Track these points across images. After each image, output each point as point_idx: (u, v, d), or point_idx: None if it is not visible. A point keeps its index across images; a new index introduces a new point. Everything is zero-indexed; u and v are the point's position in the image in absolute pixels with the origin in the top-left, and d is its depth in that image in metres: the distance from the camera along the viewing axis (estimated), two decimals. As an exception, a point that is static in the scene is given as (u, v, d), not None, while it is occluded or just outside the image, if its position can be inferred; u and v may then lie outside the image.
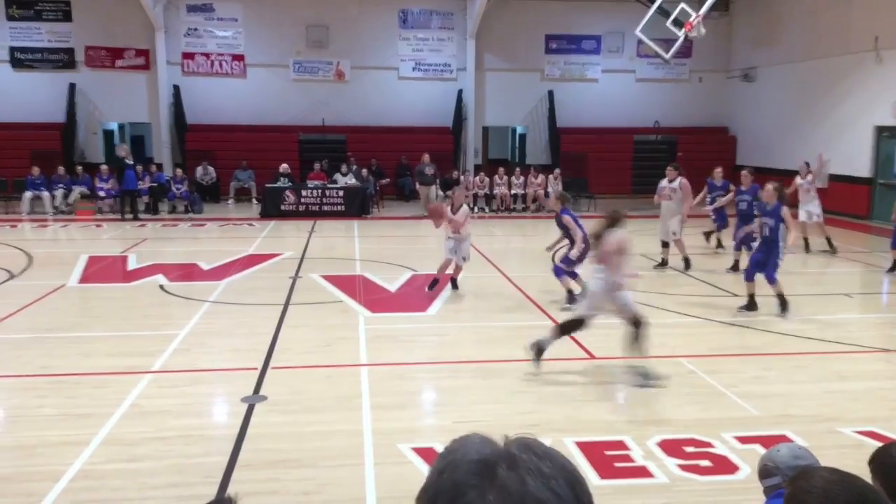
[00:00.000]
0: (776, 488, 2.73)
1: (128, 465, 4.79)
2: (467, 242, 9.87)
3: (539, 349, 6.54)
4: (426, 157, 19.14)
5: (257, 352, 7.15)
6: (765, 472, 2.83)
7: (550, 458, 0.84)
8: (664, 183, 11.46)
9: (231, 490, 4.44)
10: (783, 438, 5.10)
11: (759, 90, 22.37)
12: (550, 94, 23.31)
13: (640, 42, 16.54)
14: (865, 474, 4.81)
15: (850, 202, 18.15)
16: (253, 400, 5.92)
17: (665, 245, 11.58)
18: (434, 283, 9.83)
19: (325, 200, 18.40)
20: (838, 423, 5.55)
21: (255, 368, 6.67)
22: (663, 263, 11.55)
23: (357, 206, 18.44)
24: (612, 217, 6.70)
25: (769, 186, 8.87)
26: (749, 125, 23.05)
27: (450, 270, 9.94)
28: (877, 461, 2.35)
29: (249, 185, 20.91)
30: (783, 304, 8.57)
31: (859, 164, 17.93)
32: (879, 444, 5.05)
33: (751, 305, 8.74)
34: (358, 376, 6.54)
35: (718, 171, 12.72)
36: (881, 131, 17.46)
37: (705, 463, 4.92)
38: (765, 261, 8.62)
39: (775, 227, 8.60)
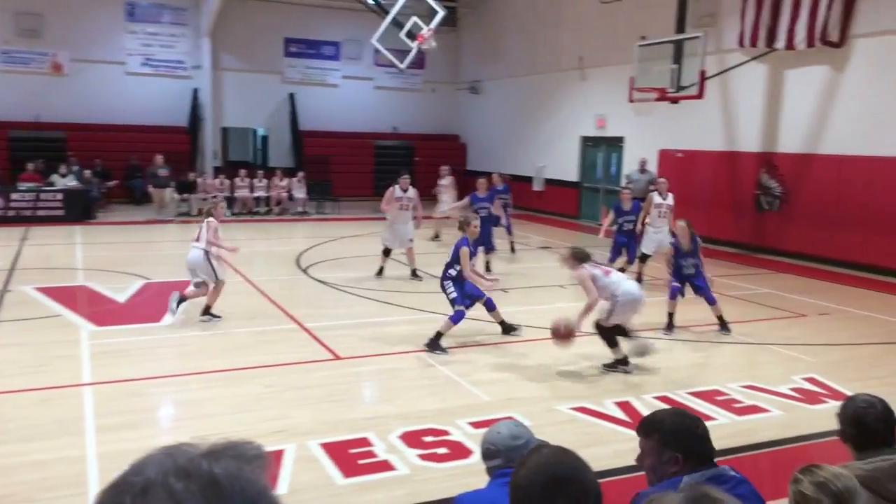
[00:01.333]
0: (498, 468, 2.89)
1: None
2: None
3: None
4: (159, 158, 18.02)
5: (-45, 378, 6.25)
6: (487, 454, 2.98)
7: (198, 477, 0.85)
8: (399, 192, 11.44)
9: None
10: (510, 420, 5.56)
11: (485, 102, 24.17)
12: (292, 97, 23.16)
13: (376, 51, 17.01)
14: (581, 445, 5.38)
15: (562, 204, 20.32)
16: (-50, 434, 5.16)
17: (387, 253, 11.38)
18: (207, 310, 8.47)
19: (39, 204, 16.56)
20: (555, 402, 6.19)
21: (-47, 398, 5.82)
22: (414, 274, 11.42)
23: (79, 210, 16.83)
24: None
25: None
26: (477, 134, 24.81)
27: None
28: (658, 434, 2.57)
29: (-56, 189, 18.13)
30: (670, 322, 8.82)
31: (569, 170, 20.13)
32: (590, 419, 5.77)
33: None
34: (80, 397, 5.98)
35: (482, 181, 12.43)
36: (586, 141, 19.75)
37: (443, 450, 5.20)
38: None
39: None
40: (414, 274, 11.42)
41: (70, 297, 9.44)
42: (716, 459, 2.60)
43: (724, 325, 8.63)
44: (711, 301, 8.63)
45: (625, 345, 7.14)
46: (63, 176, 17.71)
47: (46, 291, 9.66)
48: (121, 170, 20.13)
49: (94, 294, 9.70)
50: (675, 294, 8.61)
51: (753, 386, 6.71)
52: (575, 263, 6.99)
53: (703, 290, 8.61)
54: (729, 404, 6.23)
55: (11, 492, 4.39)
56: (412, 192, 11.56)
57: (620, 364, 7.07)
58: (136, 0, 21.45)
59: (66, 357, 7.01)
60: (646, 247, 11.29)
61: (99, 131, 20.75)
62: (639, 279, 10.81)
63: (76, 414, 5.62)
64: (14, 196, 16.42)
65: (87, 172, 18.29)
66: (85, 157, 19.17)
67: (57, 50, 20.63)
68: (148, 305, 9.25)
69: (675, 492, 1.44)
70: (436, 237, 15.12)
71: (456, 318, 7.59)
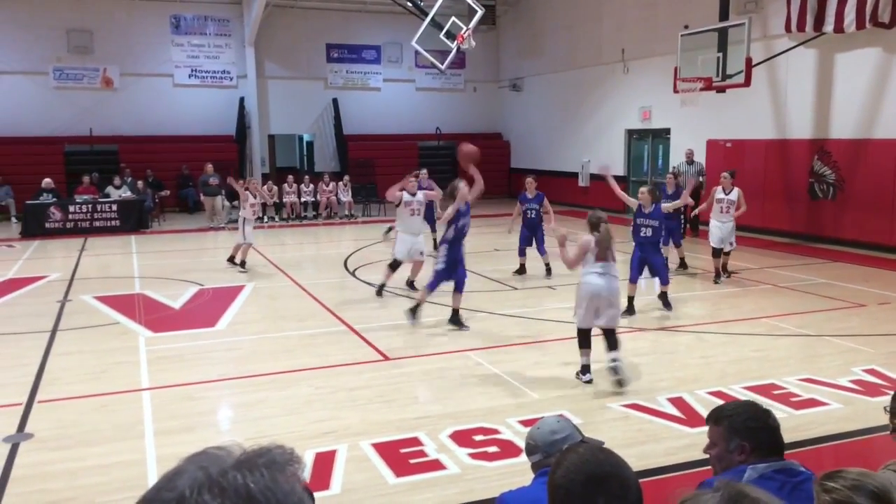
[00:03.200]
0: (540, 465, 2.88)
1: None
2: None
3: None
4: (209, 167, 18.37)
5: (21, 385, 6.48)
6: (528, 449, 2.97)
7: (234, 491, 0.84)
8: (408, 196, 10.23)
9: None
10: (551, 416, 5.52)
11: (527, 98, 24.04)
12: (335, 102, 23.39)
13: (417, 53, 17.08)
14: (634, 442, 5.31)
15: (609, 198, 20.00)
16: (17, 438, 5.35)
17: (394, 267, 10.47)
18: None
19: (96, 216, 17.06)
20: (606, 399, 6.12)
21: (20, 404, 6.04)
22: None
23: (134, 220, 17.29)
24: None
25: (645, 189, 9.31)
26: (520, 131, 24.68)
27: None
28: (728, 423, 2.57)
29: (7, 203, 18.87)
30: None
31: (615, 163, 19.85)
32: (642, 416, 5.69)
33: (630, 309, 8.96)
34: (139, 402, 6.14)
35: (530, 181, 11.83)
36: (631, 134, 19.49)
37: (493, 449, 5.19)
38: (651, 261, 9.06)
39: (658, 228, 9.07)
40: (410, 286, 10.43)
41: (128, 304, 9.69)
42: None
43: (665, 303, 9.19)
44: (664, 281, 9.15)
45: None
46: (117, 187, 18.21)
47: (105, 300, 9.95)
48: (172, 180, 20.63)
49: (150, 301, 9.95)
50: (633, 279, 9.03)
51: (811, 379, 6.54)
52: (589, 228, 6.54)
53: (657, 267, 9.13)
54: (786, 398, 6.08)
55: (75, 495, 4.53)
56: (421, 194, 10.36)
57: (582, 372, 6.50)
58: (181, 13, 21.94)
59: (124, 363, 7.21)
60: (712, 241, 10.95)
61: (150, 143, 21.29)
62: (717, 274, 10.94)
63: (135, 418, 5.77)
64: (72, 208, 16.95)
65: (140, 183, 18.77)
66: (137, 169, 19.69)
67: (107, 65, 21.23)
68: (202, 311, 9.46)
69: (710, 491, 1.41)
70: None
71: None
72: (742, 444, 2.49)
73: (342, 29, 23.37)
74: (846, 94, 13.66)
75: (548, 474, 1.97)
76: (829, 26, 13.21)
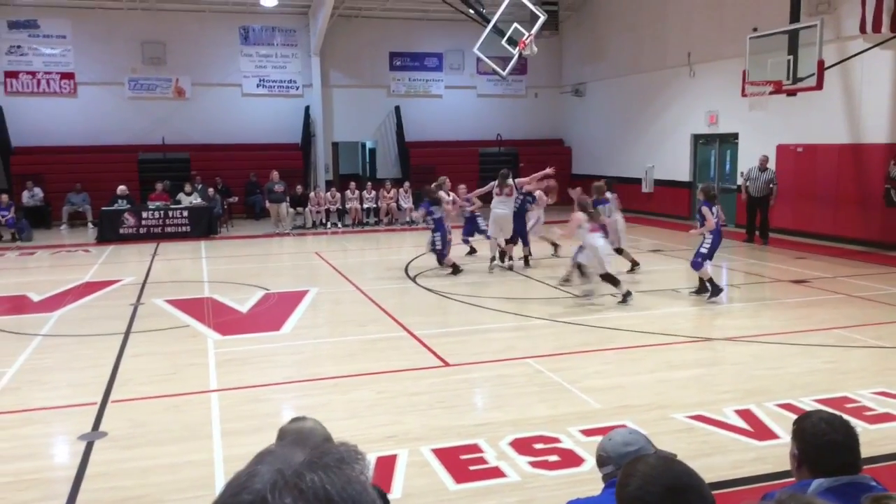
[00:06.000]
0: (611, 476, 2.84)
1: (-51, 520, 4.38)
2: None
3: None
4: (275, 175, 18.80)
5: (96, 385, 6.74)
6: (599, 461, 2.94)
7: (312, 494, 0.86)
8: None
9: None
10: (622, 428, 5.44)
11: (589, 104, 23.79)
12: (397, 109, 23.63)
13: (479, 59, 17.11)
14: (699, 454, 5.21)
15: (673, 205, 19.69)
16: (92, 437, 5.57)
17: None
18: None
19: (168, 222, 17.63)
20: (671, 410, 5.99)
21: (95, 403, 6.28)
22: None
23: (203, 226, 17.80)
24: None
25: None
26: (582, 137, 24.44)
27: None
28: (795, 426, 2.56)
29: (84, 209, 19.67)
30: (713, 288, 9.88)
31: (680, 169, 19.50)
32: (708, 427, 5.57)
33: (702, 289, 10.08)
34: (208, 403, 6.32)
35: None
36: (697, 139, 19.09)
37: (554, 458, 5.14)
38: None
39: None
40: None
41: (197, 308, 9.98)
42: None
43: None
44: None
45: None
46: (188, 194, 18.78)
47: (175, 303, 10.27)
48: (241, 187, 21.17)
49: (218, 305, 10.22)
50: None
51: (887, 392, 6.28)
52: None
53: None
54: (860, 412, 5.86)
55: (147, 492, 4.69)
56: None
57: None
58: (250, 24, 22.54)
59: (194, 365, 7.42)
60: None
61: (219, 150, 21.92)
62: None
63: (204, 419, 5.94)
64: (145, 215, 17.56)
65: (210, 190, 19.31)
66: (207, 176, 20.27)
67: (179, 76, 21.97)
68: (268, 315, 9.67)
69: (773, 502, 1.37)
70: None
71: None
72: (794, 453, 2.46)
73: (404, 37, 23.62)
74: (926, 96, 13.10)
75: (616, 485, 1.94)
76: (907, 26, 12.69)
